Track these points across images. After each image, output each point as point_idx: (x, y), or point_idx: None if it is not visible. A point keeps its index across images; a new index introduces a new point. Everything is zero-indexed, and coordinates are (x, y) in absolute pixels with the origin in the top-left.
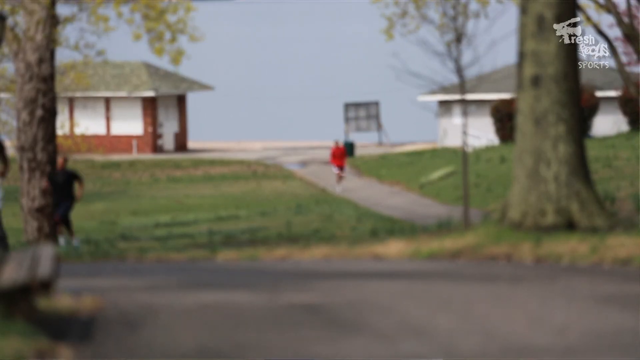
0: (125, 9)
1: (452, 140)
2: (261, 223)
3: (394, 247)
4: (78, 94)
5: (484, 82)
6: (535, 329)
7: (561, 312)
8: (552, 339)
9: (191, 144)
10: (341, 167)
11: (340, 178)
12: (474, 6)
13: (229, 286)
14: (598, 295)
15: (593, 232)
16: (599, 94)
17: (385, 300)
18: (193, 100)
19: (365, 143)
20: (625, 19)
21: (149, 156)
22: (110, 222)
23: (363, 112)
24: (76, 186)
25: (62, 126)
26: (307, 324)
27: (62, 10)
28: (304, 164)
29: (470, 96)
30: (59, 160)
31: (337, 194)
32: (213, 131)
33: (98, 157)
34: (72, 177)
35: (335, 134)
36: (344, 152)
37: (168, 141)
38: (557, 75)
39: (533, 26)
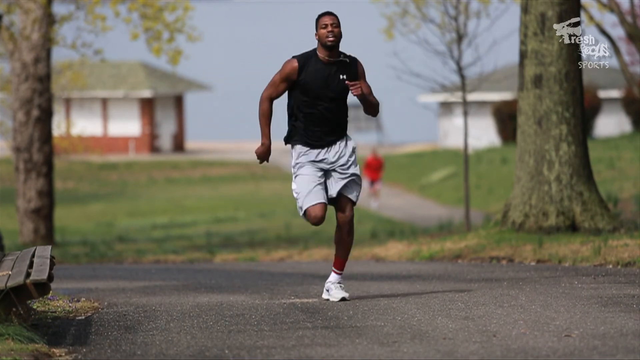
0: (122, 8)
1: (453, 141)
2: (260, 225)
3: (394, 249)
4: (75, 94)
5: (485, 82)
6: (537, 331)
7: (564, 315)
8: (555, 341)
9: (189, 144)
10: (376, 181)
11: (375, 192)
12: (475, 5)
13: (227, 288)
14: (601, 298)
15: (596, 234)
16: (602, 94)
17: (385, 302)
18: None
19: (365, 143)
20: (629, 19)
21: (146, 157)
22: (107, 223)
23: (363, 112)
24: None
25: (58, 126)
26: (307, 326)
27: (58, 9)
28: None
29: (471, 96)
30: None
31: (374, 210)
32: (211, 132)
33: (95, 158)
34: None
35: None
36: (382, 164)
37: (166, 142)
38: (560, 75)
39: (535, 25)
